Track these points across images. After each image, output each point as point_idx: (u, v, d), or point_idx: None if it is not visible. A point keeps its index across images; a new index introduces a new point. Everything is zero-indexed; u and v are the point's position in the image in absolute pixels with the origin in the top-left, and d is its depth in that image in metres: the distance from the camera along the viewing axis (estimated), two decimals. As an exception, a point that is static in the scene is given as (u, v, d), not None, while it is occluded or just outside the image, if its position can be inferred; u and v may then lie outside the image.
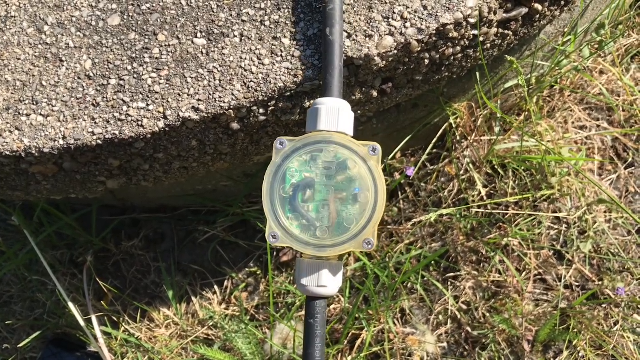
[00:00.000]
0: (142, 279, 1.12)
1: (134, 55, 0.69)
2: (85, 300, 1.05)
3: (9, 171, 0.72)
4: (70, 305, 0.99)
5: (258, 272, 1.06)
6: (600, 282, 0.96)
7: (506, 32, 0.71)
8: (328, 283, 0.56)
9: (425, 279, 0.99)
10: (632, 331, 0.91)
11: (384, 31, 0.63)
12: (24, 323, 1.11)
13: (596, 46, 0.92)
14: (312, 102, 0.67)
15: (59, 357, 1.06)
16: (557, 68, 0.90)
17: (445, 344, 0.96)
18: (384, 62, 0.65)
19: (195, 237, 1.11)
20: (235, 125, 0.67)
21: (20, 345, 1.05)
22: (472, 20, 0.65)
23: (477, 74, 0.84)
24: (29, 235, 1.02)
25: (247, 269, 1.07)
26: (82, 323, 0.98)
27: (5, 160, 0.69)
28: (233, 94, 0.64)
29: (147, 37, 0.69)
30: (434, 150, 1.03)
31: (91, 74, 0.69)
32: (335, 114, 0.57)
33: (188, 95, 0.66)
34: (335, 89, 0.59)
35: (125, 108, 0.66)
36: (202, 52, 0.67)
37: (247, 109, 0.65)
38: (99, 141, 0.66)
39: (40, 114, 0.68)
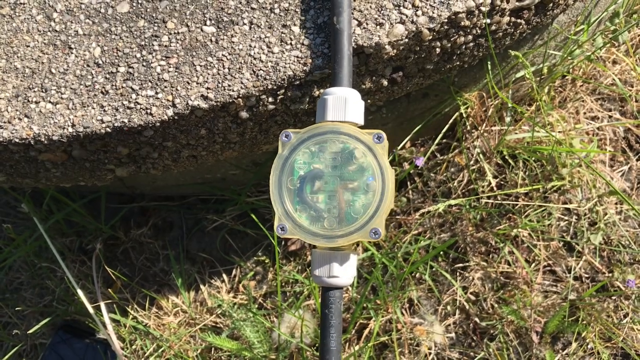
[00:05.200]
0: (150, 267, 1.12)
1: (143, 43, 0.68)
2: (94, 288, 1.06)
3: (18, 158, 0.72)
4: (80, 292, 0.99)
5: (266, 261, 1.06)
6: (610, 274, 0.95)
7: (519, 20, 0.70)
8: (340, 273, 0.56)
9: (434, 269, 0.99)
10: (642, 323, 0.91)
11: (394, 19, 0.63)
12: (34, 309, 1.12)
13: (610, 35, 0.90)
14: (321, 91, 0.66)
15: (68, 343, 1.06)
16: (569, 58, 0.89)
17: (453, 335, 0.96)
18: (395, 51, 0.64)
19: (203, 225, 1.11)
20: (244, 114, 0.67)
21: (30, 331, 1.06)
22: (484, 9, 0.64)
23: (489, 63, 0.83)
24: (38, 222, 1.02)
25: (255, 258, 1.07)
26: (91, 310, 0.99)
27: (15, 148, 0.69)
28: (242, 83, 0.64)
29: (156, 24, 0.69)
30: (444, 140, 1.02)
31: (100, 62, 0.69)
32: (342, 103, 0.57)
33: (197, 83, 0.65)
34: (344, 78, 0.59)
35: (134, 96, 0.66)
36: (211, 40, 0.67)
37: (256, 97, 0.65)
38: (108, 129, 0.66)
39: (49, 102, 0.68)
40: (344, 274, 0.57)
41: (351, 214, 0.55)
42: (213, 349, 1.01)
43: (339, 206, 0.55)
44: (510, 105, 0.91)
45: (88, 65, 0.69)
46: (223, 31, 0.67)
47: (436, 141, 0.99)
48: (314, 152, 0.56)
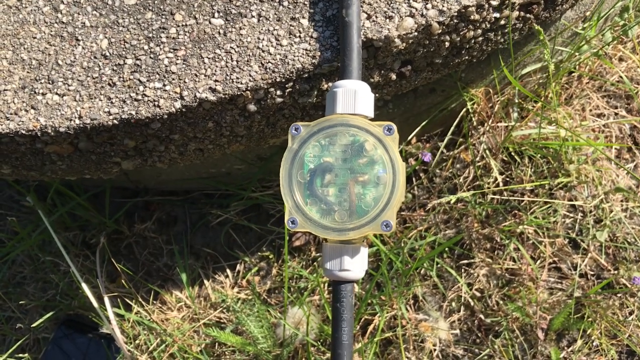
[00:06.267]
0: (154, 262, 1.12)
1: (150, 35, 0.68)
2: (97, 282, 1.05)
3: (24, 150, 0.72)
4: (84, 286, 0.99)
5: (270, 256, 1.06)
6: (615, 272, 0.95)
7: (528, 15, 0.69)
8: (352, 267, 0.56)
9: (439, 265, 0.98)
10: (648, 321, 0.91)
11: (404, 12, 0.62)
12: (37, 304, 1.12)
13: (619, 30, 0.90)
14: (330, 84, 0.66)
15: (71, 338, 1.06)
16: (576, 54, 0.89)
17: (457, 331, 0.96)
18: (404, 44, 0.64)
19: (208, 220, 1.11)
20: (251, 107, 0.66)
21: (33, 325, 1.06)
22: (494, 3, 0.64)
23: (500, 56, 0.83)
24: (43, 215, 1.02)
25: (259, 253, 1.07)
26: (94, 304, 0.98)
27: (21, 140, 0.69)
28: (250, 75, 0.64)
29: (163, 16, 0.69)
30: (450, 136, 1.02)
31: (107, 54, 0.69)
32: (351, 96, 0.57)
33: (205, 75, 0.65)
34: (354, 70, 0.59)
35: (141, 88, 0.66)
36: (219, 33, 0.66)
37: (264, 90, 0.65)
38: (115, 121, 0.66)
39: (56, 93, 0.68)
40: (356, 267, 0.56)
41: (362, 206, 0.55)
42: (217, 344, 1.01)
43: (350, 199, 0.55)
44: (517, 98, 0.91)
45: (95, 57, 0.69)
46: (231, 24, 0.66)
47: (443, 137, 0.98)
48: (324, 145, 0.56)
